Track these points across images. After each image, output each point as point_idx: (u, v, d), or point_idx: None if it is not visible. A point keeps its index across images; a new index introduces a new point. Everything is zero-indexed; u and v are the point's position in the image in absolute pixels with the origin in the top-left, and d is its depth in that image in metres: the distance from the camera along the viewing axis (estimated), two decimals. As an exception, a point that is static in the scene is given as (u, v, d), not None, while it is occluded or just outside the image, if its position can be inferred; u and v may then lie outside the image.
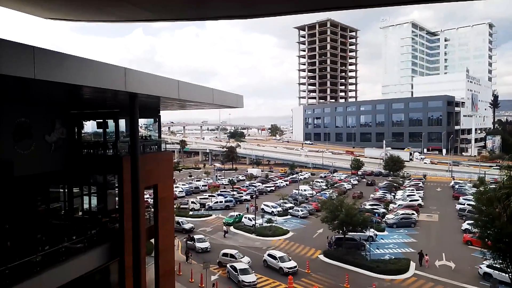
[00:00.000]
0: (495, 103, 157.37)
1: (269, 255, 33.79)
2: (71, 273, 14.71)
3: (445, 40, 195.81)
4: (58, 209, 19.63)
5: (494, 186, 28.61)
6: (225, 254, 34.23)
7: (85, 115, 20.07)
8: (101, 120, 19.82)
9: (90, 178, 19.79)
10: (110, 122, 19.60)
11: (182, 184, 78.57)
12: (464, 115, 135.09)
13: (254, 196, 55.52)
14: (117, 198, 18.18)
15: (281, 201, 56.40)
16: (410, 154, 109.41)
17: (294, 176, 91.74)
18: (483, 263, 29.76)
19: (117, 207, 18.24)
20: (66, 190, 19.35)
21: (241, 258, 33.55)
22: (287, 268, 31.51)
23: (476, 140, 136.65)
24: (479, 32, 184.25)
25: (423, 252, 33.79)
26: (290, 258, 33.40)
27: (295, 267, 31.87)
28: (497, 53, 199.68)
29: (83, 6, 6.68)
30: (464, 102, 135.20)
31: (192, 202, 59.57)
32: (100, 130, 19.98)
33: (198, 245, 38.51)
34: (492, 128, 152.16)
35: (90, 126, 20.69)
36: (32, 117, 16.36)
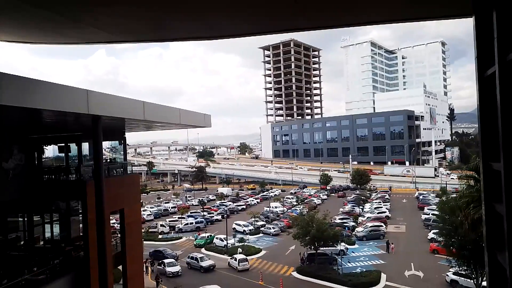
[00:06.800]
0: (451, 116, 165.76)
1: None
2: (32, 308, 13.82)
3: (403, 58, 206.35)
4: (17, 240, 18.54)
5: (455, 196, 29.75)
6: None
7: (46, 139, 19.32)
8: (63, 144, 19.13)
9: (52, 205, 18.87)
10: (73, 146, 18.96)
11: (151, 207, 76.35)
12: (424, 128, 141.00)
13: (226, 216, 54.86)
14: (81, 225, 17.44)
15: (253, 219, 56.08)
16: (435, 169, 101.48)
17: (264, 193, 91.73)
18: (450, 271, 30.68)
19: (81, 234, 17.48)
20: (25, 219, 18.34)
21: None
22: None
23: (436, 152, 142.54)
24: (433, 50, 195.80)
25: (389, 241, 41.00)
26: None
27: None
28: (450, 69, 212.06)
29: (41, 29, 6.53)
30: (423, 116, 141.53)
31: (161, 225, 57.87)
32: (62, 155, 19.28)
33: (169, 269, 37.26)
34: (450, 140, 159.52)
35: (51, 151, 19.92)
36: (-12, 143, 15.57)
